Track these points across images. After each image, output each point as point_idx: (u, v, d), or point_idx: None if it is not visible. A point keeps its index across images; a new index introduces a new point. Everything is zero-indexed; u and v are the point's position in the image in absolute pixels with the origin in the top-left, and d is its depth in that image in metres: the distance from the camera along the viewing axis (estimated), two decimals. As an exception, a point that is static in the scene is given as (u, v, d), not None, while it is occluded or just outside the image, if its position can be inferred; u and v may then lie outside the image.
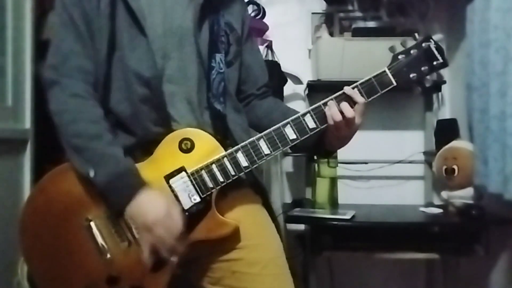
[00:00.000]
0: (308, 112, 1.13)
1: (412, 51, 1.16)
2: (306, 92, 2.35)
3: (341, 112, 1.11)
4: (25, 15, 1.97)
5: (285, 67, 2.29)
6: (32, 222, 1.13)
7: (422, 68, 1.16)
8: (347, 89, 1.14)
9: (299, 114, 1.13)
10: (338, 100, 1.13)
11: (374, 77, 1.15)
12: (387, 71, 1.15)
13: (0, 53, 1.87)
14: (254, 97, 1.34)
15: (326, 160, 2.04)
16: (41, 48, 2.03)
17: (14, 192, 1.93)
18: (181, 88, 1.16)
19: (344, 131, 1.13)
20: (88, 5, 1.12)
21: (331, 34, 2.32)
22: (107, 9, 1.12)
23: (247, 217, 1.17)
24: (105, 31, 1.12)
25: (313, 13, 2.43)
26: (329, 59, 2.16)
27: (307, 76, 2.35)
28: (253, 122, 1.30)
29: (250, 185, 1.25)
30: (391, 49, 1.18)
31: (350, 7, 2.31)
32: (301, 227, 2.14)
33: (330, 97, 1.14)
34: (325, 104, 1.13)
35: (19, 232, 1.14)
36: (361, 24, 2.25)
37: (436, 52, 1.16)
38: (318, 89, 2.24)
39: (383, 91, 1.14)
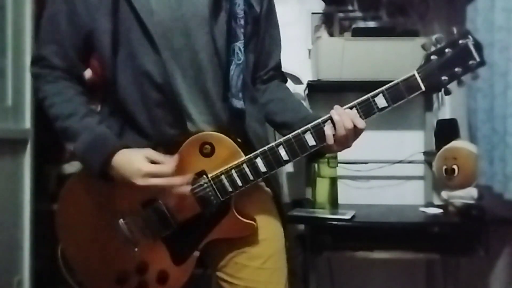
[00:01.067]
0: (329, 118, 1.10)
1: (447, 50, 1.06)
2: (306, 92, 2.35)
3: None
4: (25, 15, 1.98)
5: (285, 67, 2.26)
6: (69, 217, 1.21)
7: (456, 69, 1.05)
8: (348, 112, 1.10)
9: (319, 121, 1.10)
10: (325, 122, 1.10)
11: (402, 81, 1.07)
12: (416, 75, 1.06)
13: (0, 54, 1.88)
14: (260, 81, 1.31)
15: (326, 160, 2.04)
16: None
17: (14, 192, 1.93)
18: (196, 82, 1.15)
19: (335, 148, 1.12)
20: (82, 5, 1.12)
21: (331, 34, 2.32)
22: (108, 8, 1.11)
23: (256, 212, 1.19)
24: (108, 30, 1.11)
25: (313, 13, 2.43)
26: (329, 59, 2.16)
27: (307, 76, 2.34)
28: None
29: (263, 179, 1.25)
30: (424, 46, 1.07)
31: (350, 7, 2.30)
32: (301, 227, 2.14)
33: (327, 116, 1.10)
34: (324, 122, 1.10)
35: (57, 226, 1.22)
36: (361, 24, 2.25)
37: (474, 51, 1.04)
38: (318, 89, 2.24)
39: (411, 97, 1.07)
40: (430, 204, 2.27)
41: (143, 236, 1.15)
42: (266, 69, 1.31)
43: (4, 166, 1.87)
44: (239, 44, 1.16)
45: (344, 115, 1.08)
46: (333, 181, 2.07)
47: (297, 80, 2.39)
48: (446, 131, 2.22)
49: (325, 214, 1.92)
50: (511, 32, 1.64)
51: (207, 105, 1.16)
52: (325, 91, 2.26)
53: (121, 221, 1.15)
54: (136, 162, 1.07)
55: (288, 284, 1.22)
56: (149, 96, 1.12)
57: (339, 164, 2.12)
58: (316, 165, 2.10)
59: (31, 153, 1.99)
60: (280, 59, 1.34)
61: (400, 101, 1.08)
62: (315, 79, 2.24)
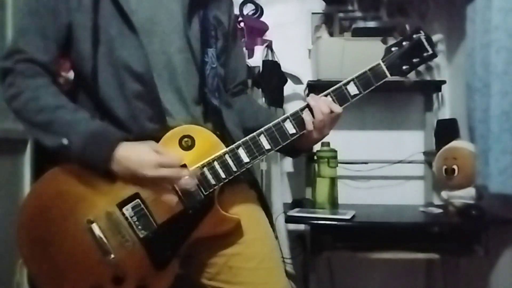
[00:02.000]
0: (306, 106, 1.16)
1: (404, 43, 1.19)
2: (306, 92, 2.35)
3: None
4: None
5: (285, 67, 2.29)
6: (29, 228, 1.11)
7: (414, 60, 1.18)
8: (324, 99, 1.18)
9: (297, 109, 1.16)
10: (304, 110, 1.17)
11: (369, 70, 1.17)
12: (381, 64, 1.18)
13: (0, 54, 1.87)
14: (230, 94, 1.34)
15: (326, 160, 2.04)
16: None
17: (14, 192, 1.93)
18: (171, 83, 1.15)
19: (315, 135, 1.16)
20: (63, 2, 1.11)
21: (331, 34, 2.32)
22: (89, 6, 1.11)
23: (244, 212, 1.18)
24: (87, 24, 1.10)
25: (313, 13, 2.43)
26: (329, 59, 2.16)
27: (307, 76, 2.35)
28: None
29: (245, 180, 1.26)
30: (384, 41, 1.23)
31: (350, 7, 2.30)
32: (301, 227, 2.14)
33: (304, 105, 1.17)
34: (302, 110, 1.16)
35: (17, 238, 1.12)
36: (361, 24, 2.25)
37: (426, 44, 1.19)
38: (318, 89, 2.20)
39: (378, 84, 1.17)
40: (430, 204, 2.27)
41: (120, 240, 1.08)
42: (234, 83, 1.35)
43: (4, 166, 1.86)
44: (212, 51, 1.20)
45: (320, 101, 1.15)
46: (333, 181, 2.07)
47: (297, 80, 2.40)
48: (446, 131, 2.22)
49: (325, 214, 1.92)
50: (509, 32, 1.64)
51: (184, 105, 1.16)
52: (325, 91, 2.26)
53: (94, 225, 1.07)
54: (144, 153, 1.04)
55: (288, 282, 1.22)
56: (128, 87, 1.11)
57: (339, 164, 2.12)
58: (316, 165, 2.10)
59: (31, 153, 1.99)
60: (246, 74, 1.41)
61: (369, 88, 1.17)
62: (315, 79, 2.24)
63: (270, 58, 2.28)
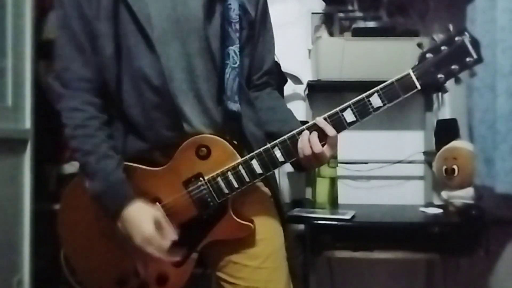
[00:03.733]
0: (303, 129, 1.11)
1: (442, 48, 1.03)
2: (306, 92, 2.35)
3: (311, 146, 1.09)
4: (25, 15, 1.97)
5: (285, 67, 2.29)
6: (70, 219, 1.22)
7: (452, 67, 1.03)
8: (319, 121, 1.09)
9: (295, 132, 1.11)
10: (311, 130, 1.10)
11: (396, 80, 1.05)
12: (411, 74, 1.05)
13: (0, 54, 1.87)
14: (252, 86, 1.30)
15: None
16: (41, 48, 2.03)
17: (14, 192, 1.93)
18: (191, 86, 1.15)
19: (313, 162, 1.12)
20: (88, 9, 1.11)
21: (331, 34, 2.32)
22: (108, 13, 1.10)
23: (254, 212, 1.20)
24: (109, 34, 1.11)
25: (313, 13, 2.43)
26: (329, 59, 2.16)
27: (307, 76, 2.35)
28: None
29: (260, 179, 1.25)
30: (419, 45, 1.08)
31: (350, 7, 2.31)
32: (301, 227, 2.14)
33: (302, 127, 1.10)
34: (299, 133, 1.10)
35: (59, 229, 1.24)
36: (361, 24, 2.25)
37: (470, 48, 1.02)
38: (318, 89, 2.24)
39: (406, 96, 1.06)
40: (430, 204, 2.27)
41: None
42: (259, 73, 1.29)
43: (4, 166, 1.86)
44: (235, 48, 1.17)
45: (305, 143, 1.09)
46: (333, 181, 2.07)
47: (297, 80, 2.40)
48: (446, 131, 2.23)
49: (325, 214, 1.92)
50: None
51: (203, 109, 1.16)
52: (325, 91, 2.26)
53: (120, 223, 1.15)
54: (143, 224, 1.09)
55: (290, 282, 1.23)
56: (146, 98, 1.12)
57: (339, 164, 2.12)
58: (316, 165, 2.10)
59: (31, 153, 1.99)
60: (272, 64, 1.33)
61: (395, 100, 1.07)
62: (315, 79, 2.24)
63: (270, 58, 2.28)
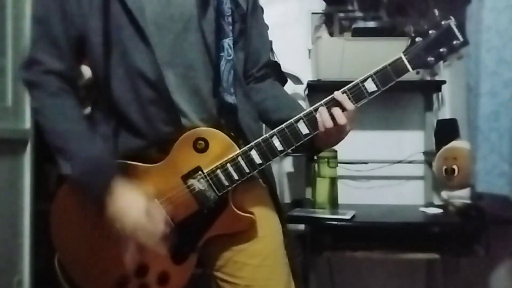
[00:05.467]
0: (320, 105, 1.11)
1: (430, 32, 1.08)
2: (306, 92, 2.35)
3: (333, 119, 1.09)
4: (25, 15, 1.97)
5: (285, 67, 2.29)
6: (63, 223, 1.18)
7: (441, 50, 1.08)
8: (337, 95, 1.10)
9: (311, 109, 1.11)
10: (329, 105, 1.10)
11: (389, 64, 1.09)
12: (403, 57, 1.08)
13: (0, 54, 1.88)
14: (253, 79, 1.30)
15: (326, 160, 2.04)
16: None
17: (14, 192, 1.93)
18: (187, 80, 1.14)
19: (334, 138, 1.13)
20: (74, 5, 1.10)
21: (331, 34, 2.32)
22: (99, 7, 1.09)
23: (254, 209, 1.19)
24: (99, 28, 1.10)
25: (313, 13, 2.43)
26: (329, 59, 2.16)
27: (307, 76, 2.35)
28: None
29: (259, 175, 1.25)
30: (408, 29, 1.14)
31: (350, 7, 2.31)
32: (301, 227, 2.14)
33: (319, 103, 1.11)
34: (315, 109, 1.11)
35: (52, 234, 1.18)
36: (361, 24, 2.25)
37: (456, 31, 1.07)
38: (318, 89, 2.24)
39: (399, 79, 1.09)
40: (430, 204, 2.27)
41: None
42: (258, 66, 1.30)
43: (4, 166, 1.86)
44: (228, 41, 1.17)
45: (324, 115, 1.10)
46: (333, 181, 2.07)
47: (297, 80, 2.40)
48: (446, 131, 2.23)
49: (325, 214, 1.92)
50: (500, 33, 1.64)
51: (199, 102, 1.16)
52: (325, 91, 2.22)
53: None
54: (134, 209, 1.06)
55: (291, 281, 1.22)
56: (142, 93, 1.11)
57: (339, 164, 2.12)
58: (316, 165, 2.11)
59: (31, 153, 1.99)
60: (269, 56, 1.35)
61: (389, 84, 1.09)
62: (315, 79, 2.24)
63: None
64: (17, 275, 1.94)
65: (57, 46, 1.12)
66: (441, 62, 1.12)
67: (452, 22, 1.08)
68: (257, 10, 1.31)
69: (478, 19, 1.73)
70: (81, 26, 1.11)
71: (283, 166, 2.45)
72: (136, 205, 1.06)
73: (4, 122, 1.87)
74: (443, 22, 1.08)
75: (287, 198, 2.42)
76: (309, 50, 2.45)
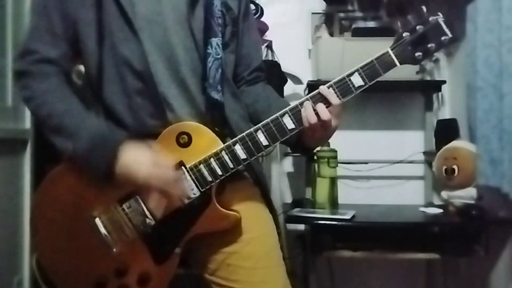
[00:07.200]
0: (306, 99, 1.10)
1: (418, 27, 1.08)
2: (306, 92, 2.35)
3: (317, 114, 1.07)
4: (25, 15, 1.98)
5: (285, 67, 2.29)
6: (42, 221, 1.15)
7: (429, 45, 1.07)
8: (322, 89, 1.10)
9: (296, 103, 1.10)
10: (314, 100, 1.09)
11: (376, 58, 1.08)
12: (390, 52, 1.08)
13: (0, 54, 1.88)
14: (244, 82, 1.31)
15: (326, 160, 2.04)
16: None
17: (14, 192, 1.93)
18: (175, 74, 1.15)
19: (320, 133, 1.10)
20: None
21: (331, 34, 2.32)
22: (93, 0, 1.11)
23: (245, 210, 1.17)
24: (92, 20, 1.11)
25: (313, 13, 2.43)
26: (329, 59, 2.16)
27: (307, 76, 2.35)
28: None
29: (249, 175, 1.25)
30: (396, 25, 1.12)
31: (350, 7, 2.31)
32: (301, 227, 2.14)
33: (305, 97, 1.10)
34: (301, 104, 1.09)
35: (30, 230, 1.18)
36: (361, 24, 2.25)
37: (445, 27, 1.08)
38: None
39: (385, 73, 1.08)
40: (430, 204, 2.27)
41: (121, 234, 1.11)
42: (249, 69, 1.31)
43: (4, 166, 1.86)
44: (217, 40, 1.17)
45: (308, 110, 1.09)
46: (333, 181, 2.07)
47: (297, 80, 2.40)
48: (446, 131, 2.22)
49: (325, 214, 1.92)
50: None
51: (188, 97, 1.16)
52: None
53: (97, 220, 1.10)
54: (143, 157, 1.05)
55: (288, 283, 1.20)
56: (129, 84, 1.11)
57: (339, 164, 2.12)
58: (316, 165, 2.11)
59: (31, 153, 1.99)
60: (262, 61, 1.36)
61: (375, 79, 1.08)
62: (315, 79, 2.24)
63: (270, 58, 2.28)
64: (17, 275, 1.94)
65: (53, 33, 1.13)
66: (430, 58, 1.11)
67: (440, 18, 1.08)
68: (249, 15, 1.32)
69: (491, 19, 1.72)
70: (75, 17, 1.13)
71: (283, 166, 2.45)
72: (145, 158, 1.05)
73: (4, 122, 1.87)
74: (431, 18, 1.08)
75: (287, 198, 2.42)
76: (309, 50, 2.45)
